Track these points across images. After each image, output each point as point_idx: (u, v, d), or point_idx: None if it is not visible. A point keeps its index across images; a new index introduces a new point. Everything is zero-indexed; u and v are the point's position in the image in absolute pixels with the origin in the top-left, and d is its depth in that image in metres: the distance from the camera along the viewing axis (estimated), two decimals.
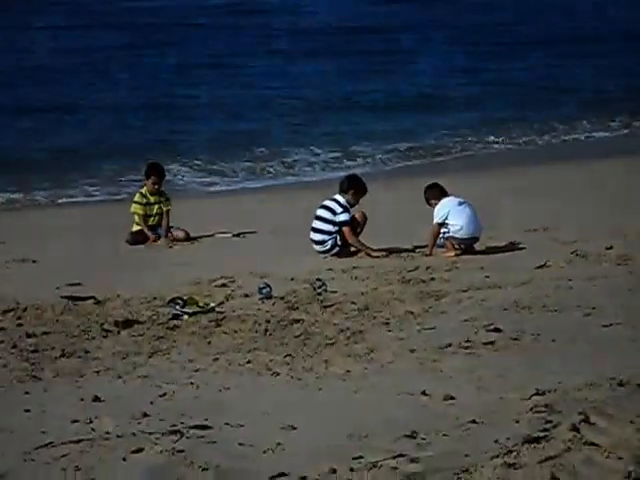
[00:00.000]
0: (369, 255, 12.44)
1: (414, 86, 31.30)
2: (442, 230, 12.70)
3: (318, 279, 10.57)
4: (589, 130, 25.26)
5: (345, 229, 12.51)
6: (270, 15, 50.43)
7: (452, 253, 11.91)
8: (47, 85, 32.06)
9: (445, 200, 12.80)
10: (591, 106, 27.88)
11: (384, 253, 12.39)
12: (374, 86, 31.82)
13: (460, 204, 12.25)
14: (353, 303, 9.83)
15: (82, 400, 6.76)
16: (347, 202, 12.77)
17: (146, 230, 13.16)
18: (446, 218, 12.13)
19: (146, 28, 43.54)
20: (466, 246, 12.22)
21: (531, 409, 5.82)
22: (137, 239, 13.08)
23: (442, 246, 12.08)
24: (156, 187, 13.37)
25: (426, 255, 12.13)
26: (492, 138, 24.00)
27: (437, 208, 12.71)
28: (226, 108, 29.38)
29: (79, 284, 10.82)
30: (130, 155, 22.08)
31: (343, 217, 12.59)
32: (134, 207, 13.33)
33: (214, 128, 26.44)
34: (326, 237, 12.61)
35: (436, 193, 13.14)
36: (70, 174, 20.01)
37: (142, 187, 13.70)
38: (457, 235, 11.99)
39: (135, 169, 20.06)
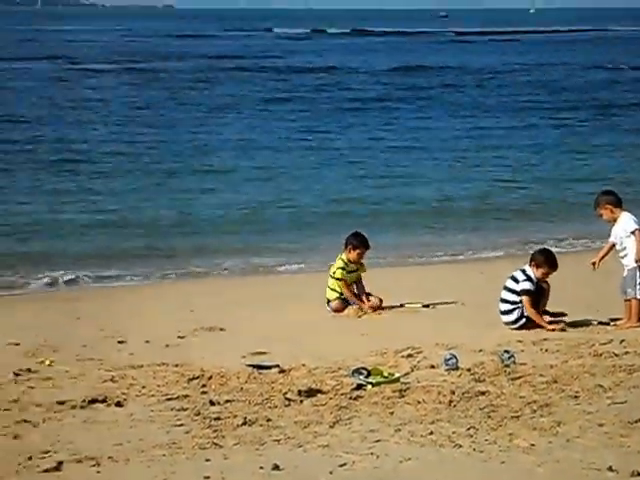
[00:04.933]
0: (544, 328, 12.36)
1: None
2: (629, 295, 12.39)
3: (506, 351, 10.56)
4: None
5: (524, 298, 12.28)
6: None
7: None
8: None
9: (627, 214, 12.36)
10: None
11: (560, 326, 12.14)
12: None
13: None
14: (541, 375, 9.89)
15: (261, 468, 6.97)
16: (534, 275, 12.58)
17: (352, 297, 13.13)
18: None
19: None
20: None
21: None
22: (340, 307, 13.14)
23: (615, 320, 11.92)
24: (361, 258, 13.58)
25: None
26: None
27: (628, 216, 12.15)
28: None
29: (265, 352, 11.17)
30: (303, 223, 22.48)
31: (524, 285, 12.35)
32: (341, 273, 13.32)
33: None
34: (510, 307, 12.42)
35: (613, 200, 12.66)
36: (255, 244, 20.26)
37: (342, 253, 13.61)
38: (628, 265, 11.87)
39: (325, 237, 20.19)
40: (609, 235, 12.64)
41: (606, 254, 12.56)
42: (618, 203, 12.53)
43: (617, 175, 29.31)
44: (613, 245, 12.46)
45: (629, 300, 12.21)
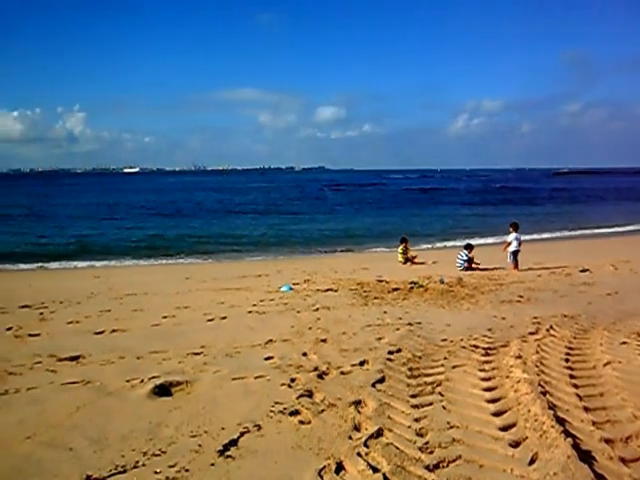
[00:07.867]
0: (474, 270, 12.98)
1: None
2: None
3: (460, 278, 11.74)
4: None
5: (467, 262, 14.12)
6: None
7: None
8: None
9: (514, 233, 13.96)
10: None
11: (479, 269, 13.17)
12: None
13: None
14: (471, 285, 11.28)
15: (380, 312, 8.40)
16: (467, 253, 14.32)
17: (407, 259, 15.68)
18: None
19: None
20: None
21: None
22: (403, 262, 15.65)
23: None
24: (408, 247, 15.77)
25: None
26: None
27: (514, 234, 13.88)
28: None
29: (381, 276, 12.61)
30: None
31: (466, 258, 14.36)
32: (403, 252, 15.73)
33: None
34: (461, 264, 14.20)
35: (514, 225, 14.07)
36: None
37: (400, 245, 16.14)
38: None
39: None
40: (507, 240, 13.85)
41: (506, 247, 13.90)
42: (516, 227, 13.93)
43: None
44: (509, 244, 13.82)
45: (510, 263, 13.49)
